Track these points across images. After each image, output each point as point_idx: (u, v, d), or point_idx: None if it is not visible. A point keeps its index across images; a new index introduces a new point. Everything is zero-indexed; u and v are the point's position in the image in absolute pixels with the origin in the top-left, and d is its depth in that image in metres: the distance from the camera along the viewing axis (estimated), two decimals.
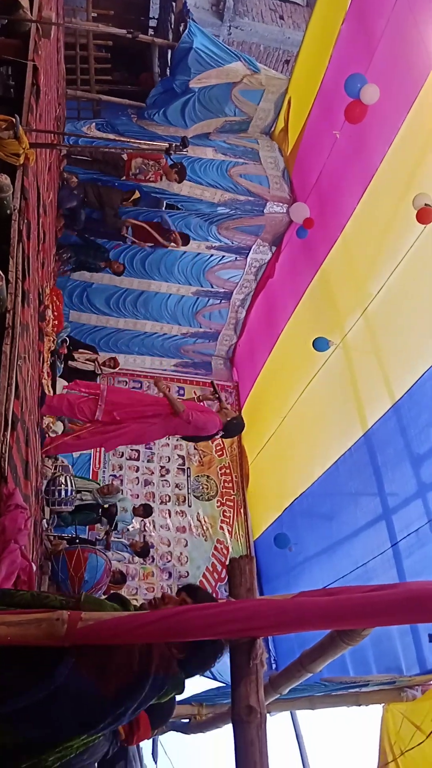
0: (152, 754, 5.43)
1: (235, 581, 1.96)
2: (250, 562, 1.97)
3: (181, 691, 1.95)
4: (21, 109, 3.75)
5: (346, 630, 2.15)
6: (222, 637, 1.80)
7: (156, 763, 5.43)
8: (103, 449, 8.59)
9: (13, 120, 3.14)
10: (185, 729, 5.17)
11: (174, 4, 8.31)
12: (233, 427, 5.98)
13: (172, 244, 7.99)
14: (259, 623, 1.76)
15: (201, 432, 5.79)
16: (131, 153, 7.04)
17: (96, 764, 2.28)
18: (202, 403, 6.25)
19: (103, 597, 2.21)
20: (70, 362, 7.65)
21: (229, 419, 5.84)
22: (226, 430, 5.93)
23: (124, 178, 7.42)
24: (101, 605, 1.95)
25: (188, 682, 2.03)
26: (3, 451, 2.45)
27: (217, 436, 6.19)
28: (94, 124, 7.96)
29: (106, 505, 6.77)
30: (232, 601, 1.86)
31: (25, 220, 3.24)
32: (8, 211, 3.10)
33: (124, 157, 7.27)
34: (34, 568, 2.82)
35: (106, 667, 1.74)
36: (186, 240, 8.05)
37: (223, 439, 9.23)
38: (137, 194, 7.65)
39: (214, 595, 6.67)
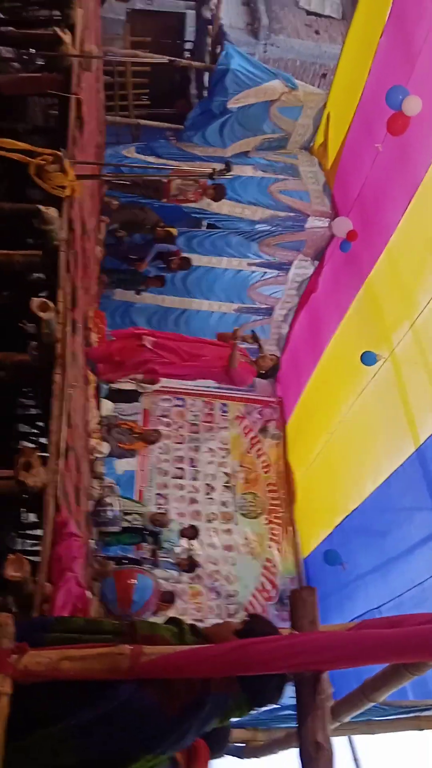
0: None
1: (298, 614, 1.92)
2: (312, 594, 1.93)
3: (244, 713, 1.92)
4: (63, 139, 3.83)
5: None
6: (286, 671, 1.77)
7: None
8: (147, 469, 8.65)
9: (59, 154, 3.21)
10: (240, 753, 5.09)
11: (210, 27, 8.42)
12: (267, 375, 6.40)
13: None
14: (323, 657, 1.72)
15: (234, 384, 6.27)
16: (170, 177, 7.11)
17: None
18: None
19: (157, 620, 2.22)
20: (111, 385, 7.71)
21: (263, 371, 6.19)
22: (260, 377, 6.41)
23: (165, 200, 7.50)
24: (154, 628, 1.96)
25: None
26: (57, 481, 2.47)
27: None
28: (134, 147, 8.09)
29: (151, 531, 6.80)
30: (295, 635, 1.83)
31: (72, 251, 3.28)
32: (55, 242, 3.15)
33: (164, 180, 7.35)
34: (89, 594, 2.82)
35: (168, 686, 1.75)
36: (188, 263, 8.10)
37: (268, 451, 9.24)
38: (175, 232, 7.70)
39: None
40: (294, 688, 1.85)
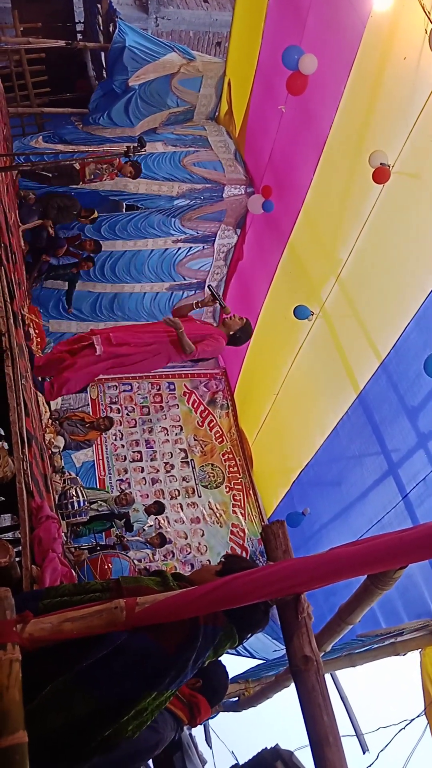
0: (206, 740, 5.56)
1: (271, 546, 2.08)
2: (282, 525, 2.09)
3: (235, 644, 2.07)
4: None
5: (379, 575, 2.27)
6: (268, 597, 1.91)
7: (211, 747, 5.54)
8: (105, 457, 8.72)
9: None
10: (236, 707, 5.31)
11: (99, 5, 8.31)
12: (240, 338, 5.49)
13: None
14: (299, 579, 1.88)
15: (207, 357, 5.45)
16: (83, 162, 7.06)
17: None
18: (201, 320, 5.73)
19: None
20: None
21: (232, 332, 5.38)
22: (232, 343, 5.46)
23: (81, 184, 7.42)
24: (138, 581, 2.08)
25: (232, 664, 2.17)
26: (25, 468, 2.54)
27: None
28: (41, 137, 7.97)
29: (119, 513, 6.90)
30: (271, 564, 1.98)
31: (2, 244, 3.30)
32: None
33: (76, 166, 7.28)
34: (74, 573, 2.92)
35: (160, 628, 1.86)
36: (98, 247, 8.00)
37: (219, 421, 9.38)
38: (96, 214, 7.68)
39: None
40: (277, 613, 2.02)
